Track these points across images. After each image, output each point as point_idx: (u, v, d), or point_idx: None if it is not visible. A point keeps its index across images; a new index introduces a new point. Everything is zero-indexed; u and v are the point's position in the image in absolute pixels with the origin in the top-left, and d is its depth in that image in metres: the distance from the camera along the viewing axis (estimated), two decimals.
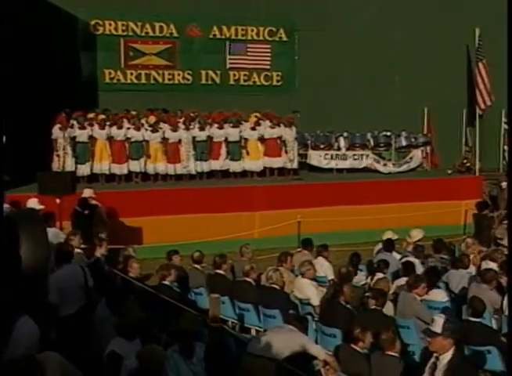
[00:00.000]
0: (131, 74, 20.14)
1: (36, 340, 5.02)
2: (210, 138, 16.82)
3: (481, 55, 21.70)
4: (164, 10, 20.10)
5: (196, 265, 10.38)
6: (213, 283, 9.71)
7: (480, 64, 21.73)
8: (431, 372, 5.54)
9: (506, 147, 21.30)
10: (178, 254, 10.63)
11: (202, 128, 16.72)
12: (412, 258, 10.33)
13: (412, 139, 20.06)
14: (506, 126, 21.63)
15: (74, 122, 15.89)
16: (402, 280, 9.17)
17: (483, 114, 22.18)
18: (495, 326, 8.31)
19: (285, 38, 21.67)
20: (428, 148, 20.68)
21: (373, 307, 7.88)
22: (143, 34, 20.18)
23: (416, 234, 11.86)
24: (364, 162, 19.11)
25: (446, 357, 5.49)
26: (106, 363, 5.74)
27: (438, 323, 5.57)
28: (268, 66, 21.59)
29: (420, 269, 9.84)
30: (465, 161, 19.80)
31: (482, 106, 21.94)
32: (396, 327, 7.66)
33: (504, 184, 16.87)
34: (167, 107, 17.93)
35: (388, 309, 8.35)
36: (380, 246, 11.69)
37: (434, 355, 5.58)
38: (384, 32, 22.41)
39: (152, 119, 16.63)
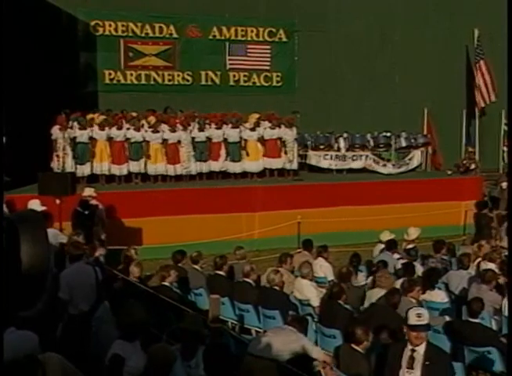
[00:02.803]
0: (131, 74, 20.14)
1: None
2: (209, 139, 16.83)
3: (480, 54, 21.74)
4: (164, 11, 20.10)
5: (196, 266, 10.38)
6: (213, 284, 9.72)
7: (480, 63, 21.75)
8: (410, 364, 5.58)
9: (505, 148, 21.31)
10: (185, 254, 10.59)
11: (201, 129, 16.72)
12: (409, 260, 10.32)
13: (412, 140, 20.06)
14: (505, 127, 21.64)
15: (74, 123, 15.88)
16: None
17: (483, 115, 22.20)
18: (495, 326, 8.31)
19: (285, 39, 21.67)
20: (429, 148, 20.66)
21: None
22: (143, 34, 20.18)
23: (414, 232, 11.87)
24: (363, 163, 19.11)
25: (422, 348, 5.62)
26: (109, 365, 5.73)
27: (426, 314, 5.69)
28: (268, 67, 21.59)
29: (420, 271, 9.84)
30: (465, 162, 19.79)
31: (482, 104, 21.95)
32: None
33: (504, 184, 16.89)
34: (165, 107, 17.92)
35: None
36: (380, 246, 11.69)
37: (410, 348, 5.64)
38: (383, 32, 22.43)
39: (152, 119, 16.62)
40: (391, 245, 11.21)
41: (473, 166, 19.47)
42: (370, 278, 9.99)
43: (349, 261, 10.87)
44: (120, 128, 16.12)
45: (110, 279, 8.74)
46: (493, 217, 14.78)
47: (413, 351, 5.63)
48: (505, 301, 8.30)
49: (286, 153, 17.35)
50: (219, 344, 6.43)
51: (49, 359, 4.72)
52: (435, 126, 21.74)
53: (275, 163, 17.31)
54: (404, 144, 19.93)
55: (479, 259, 10.48)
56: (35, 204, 11.27)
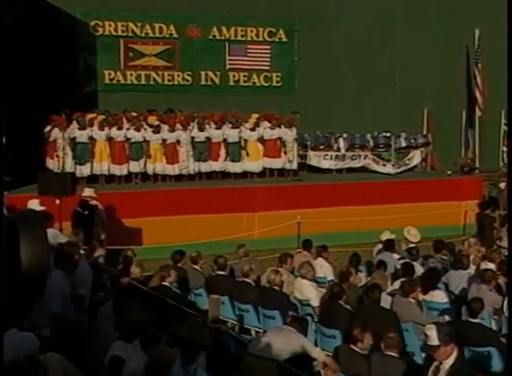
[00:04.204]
0: (131, 74, 20.14)
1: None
2: (208, 139, 16.82)
3: (478, 58, 21.78)
4: (164, 11, 20.10)
5: (196, 266, 10.38)
6: (214, 284, 9.70)
7: (479, 66, 21.78)
8: (434, 375, 5.53)
9: (505, 148, 21.31)
10: (184, 254, 10.59)
11: (201, 129, 16.72)
12: (409, 261, 10.31)
13: (412, 140, 20.05)
14: (505, 127, 21.64)
15: (74, 123, 15.89)
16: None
17: (482, 115, 22.19)
18: (494, 326, 8.31)
19: (285, 39, 21.67)
20: (428, 149, 20.64)
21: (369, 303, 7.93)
22: (143, 34, 20.18)
23: (416, 233, 11.84)
24: (363, 163, 19.10)
25: (449, 361, 5.46)
26: (109, 366, 5.73)
27: (432, 335, 5.51)
28: (268, 67, 21.59)
29: (419, 271, 9.84)
30: (469, 161, 19.73)
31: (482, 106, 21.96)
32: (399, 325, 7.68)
33: (503, 185, 16.89)
34: (166, 108, 17.90)
35: (386, 302, 8.40)
36: (379, 246, 11.69)
37: (438, 359, 5.57)
38: (383, 32, 22.43)
39: (153, 120, 16.59)
40: (389, 245, 11.21)
41: (502, 185, 19.23)
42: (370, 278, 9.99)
43: (349, 261, 10.84)
44: (120, 128, 16.11)
45: (115, 277, 8.73)
46: (495, 217, 14.79)
47: (440, 363, 5.51)
48: (505, 302, 8.30)
49: (285, 153, 17.35)
50: (219, 343, 6.43)
51: (50, 360, 4.74)
52: (433, 127, 21.75)
53: (275, 163, 17.31)
54: (404, 144, 19.92)
55: (472, 257, 10.51)
56: (34, 204, 11.26)
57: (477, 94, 22.01)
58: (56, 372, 4.71)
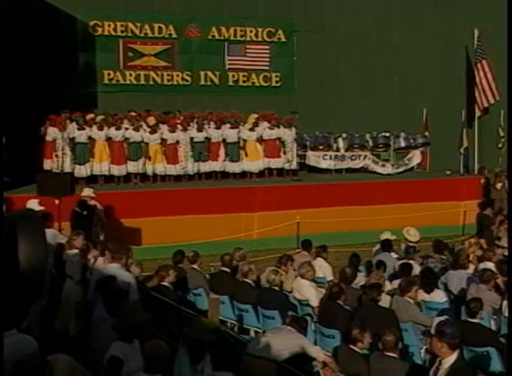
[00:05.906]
0: (130, 74, 20.14)
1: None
2: (208, 139, 16.82)
3: (481, 54, 21.68)
4: (163, 11, 20.12)
5: (194, 266, 10.36)
6: (216, 280, 9.70)
7: (483, 62, 21.66)
8: (434, 374, 5.53)
9: (504, 149, 21.30)
10: (184, 254, 10.56)
11: (200, 129, 16.72)
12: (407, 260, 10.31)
13: (411, 140, 20.05)
14: (502, 131, 21.71)
15: (73, 123, 15.88)
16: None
17: (485, 114, 22.15)
18: (494, 326, 8.30)
19: (284, 39, 21.68)
20: (427, 149, 20.61)
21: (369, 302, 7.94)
22: (142, 34, 20.18)
23: (415, 233, 11.84)
24: (362, 163, 19.10)
25: (448, 361, 5.40)
26: (107, 367, 5.72)
27: (434, 324, 5.58)
28: (267, 67, 21.59)
29: (417, 270, 9.83)
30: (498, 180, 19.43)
31: (485, 104, 21.83)
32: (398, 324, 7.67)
33: (499, 185, 16.90)
34: (166, 108, 17.91)
35: (385, 301, 8.39)
36: (378, 247, 11.69)
37: (438, 359, 5.56)
38: (383, 32, 22.44)
39: (151, 120, 16.59)
40: (386, 246, 11.20)
41: (499, 186, 18.93)
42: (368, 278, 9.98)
43: (349, 261, 10.83)
44: (118, 128, 16.11)
45: (110, 278, 8.71)
46: (495, 217, 14.79)
47: (440, 362, 5.45)
48: (504, 302, 8.30)
49: (285, 153, 17.35)
50: (224, 342, 6.43)
51: (58, 361, 4.76)
52: (430, 127, 21.74)
53: (275, 163, 17.31)
54: (403, 144, 19.91)
55: (471, 256, 10.51)
56: (33, 204, 11.24)
57: (477, 94, 21.95)
58: (64, 372, 4.72)
